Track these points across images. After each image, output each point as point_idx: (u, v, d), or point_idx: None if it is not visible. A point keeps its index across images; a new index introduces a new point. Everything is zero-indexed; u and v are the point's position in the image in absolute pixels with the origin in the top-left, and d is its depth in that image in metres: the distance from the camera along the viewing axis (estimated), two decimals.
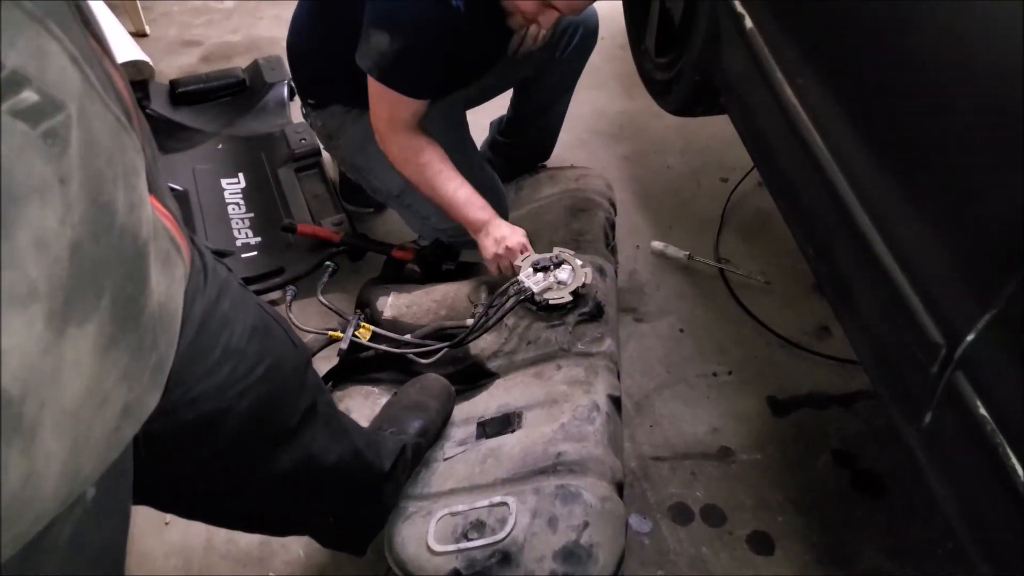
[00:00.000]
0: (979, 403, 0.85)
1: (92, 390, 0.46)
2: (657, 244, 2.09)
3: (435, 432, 1.40)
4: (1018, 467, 0.81)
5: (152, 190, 0.58)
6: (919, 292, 0.96)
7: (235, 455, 0.90)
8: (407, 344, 1.57)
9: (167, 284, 0.58)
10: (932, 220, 0.94)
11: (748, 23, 1.36)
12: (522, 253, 1.56)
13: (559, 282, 1.51)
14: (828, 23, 1.15)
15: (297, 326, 1.58)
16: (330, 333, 1.55)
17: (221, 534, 1.48)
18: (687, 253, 2.05)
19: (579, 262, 1.56)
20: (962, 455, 0.93)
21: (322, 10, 1.70)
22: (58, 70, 0.41)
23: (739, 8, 1.39)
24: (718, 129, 2.20)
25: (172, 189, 2.15)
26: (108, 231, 0.46)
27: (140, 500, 0.73)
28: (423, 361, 1.54)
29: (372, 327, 1.57)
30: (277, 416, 0.94)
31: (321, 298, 1.65)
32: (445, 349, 1.53)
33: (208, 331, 0.77)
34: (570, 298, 1.51)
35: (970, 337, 0.86)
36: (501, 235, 1.57)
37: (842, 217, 1.09)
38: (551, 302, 1.50)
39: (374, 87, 1.55)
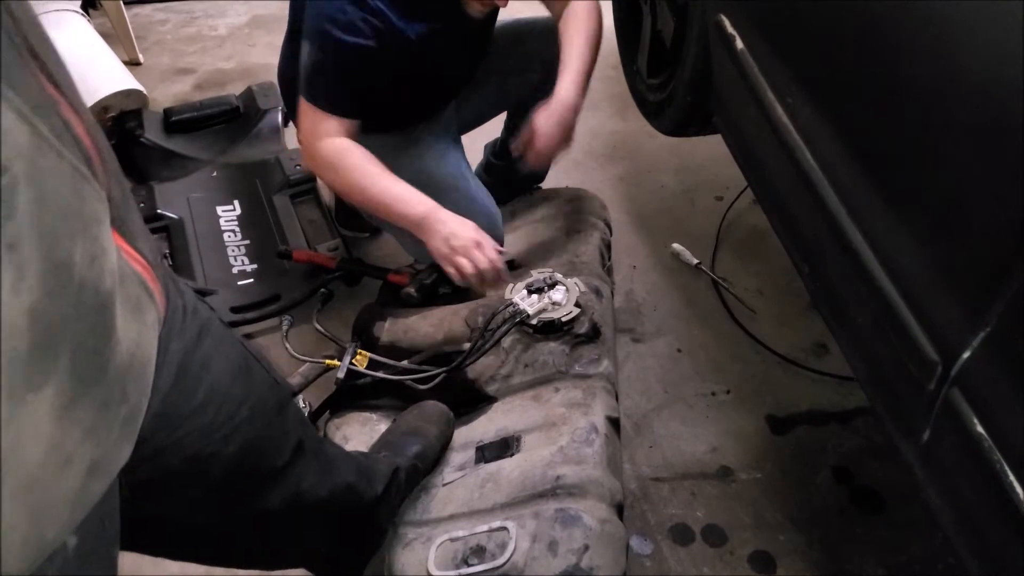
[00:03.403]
0: (976, 421, 0.85)
1: (53, 453, 0.44)
2: (676, 246, 2.14)
3: (433, 457, 1.40)
4: (1016, 485, 0.81)
5: (121, 233, 0.57)
6: (913, 310, 0.96)
7: (224, 497, 0.89)
8: (404, 370, 1.57)
9: (137, 331, 0.57)
10: (923, 237, 0.95)
11: (739, 44, 1.38)
12: (478, 248, 1.46)
13: (554, 303, 1.52)
14: (817, 43, 1.16)
15: (293, 355, 1.58)
16: (327, 361, 1.55)
17: None
18: (698, 261, 2.10)
19: (571, 280, 1.57)
20: (960, 472, 0.93)
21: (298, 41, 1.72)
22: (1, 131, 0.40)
23: (729, 29, 1.41)
24: (712, 148, 2.22)
25: (167, 217, 2.16)
26: (66, 287, 0.44)
27: (128, 547, 0.72)
28: (421, 387, 1.54)
29: (369, 354, 1.57)
30: (265, 457, 0.92)
31: (317, 325, 1.65)
32: (442, 374, 1.53)
33: (190, 372, 0.76)
34: (577, 310, 1.51)
35: (965, 355, 0.86)
36: (450, 231, 1.46)
37: (835, 235, 1.10)
38: (563, 319, 1.50)
39: (301, 104, 1.52)
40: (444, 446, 1.44)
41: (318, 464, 1.04)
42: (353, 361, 1.54)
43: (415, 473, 1.35)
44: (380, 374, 1.55)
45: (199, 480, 0.82)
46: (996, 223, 0.82)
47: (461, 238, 1.45)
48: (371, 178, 1.49)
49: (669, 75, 1.80)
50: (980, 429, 0.84)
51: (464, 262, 1.47)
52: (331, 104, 1.49)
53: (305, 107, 1.51)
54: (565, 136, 1.58)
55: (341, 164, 1.49)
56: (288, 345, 1.62)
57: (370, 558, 1.30)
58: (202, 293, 0.89)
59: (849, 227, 1.07)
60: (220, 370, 0.81)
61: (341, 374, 1.51)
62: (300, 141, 1.53)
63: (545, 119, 1.55)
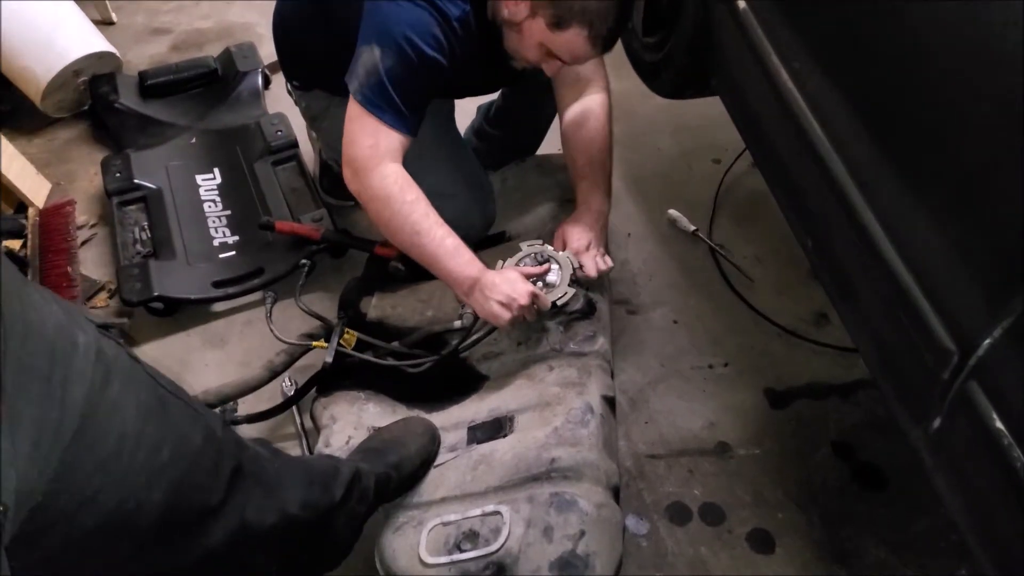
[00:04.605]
0: (995, 415, 0.80)
1: None
2: (673, 212, 2.08)
3: (410, 469, 1.33)
4: None
5: None
6: (928, 294, 0.91)
7: (161, 546, 0.83)
8: (394, 353, 1.52)
9: None
10: (941, 219, 0.89)
11: (741, 3, 1.30)
12: (534, 304, 1.39)
13: (547, 284, 1.45)
14: (829, 4, 1.09)
15: (278, 337, 1.52)
16: (314, 344, 1.49)
17: None
18: (695, 228, 2.04)
19: (564, 254, 1.50)
20: (974, 465, 0.88)
21: (310, 2, 1.63)
22: None
23: None
24: (709, 108, 2.11)
25: (144, 187, 2.08)
26: None
27: None
28: (412, 370, 1.49)
29: (357, 333, 1.52)
30: (198, 495, 0.86)
31: (300, 304, 1.58)
32: (432, 362, 1.48)
33: (95, 421, 0.70)
34: (573, 291, 1.45)
35: (984, 345, 0.81)
36: (506, 297, 1.36)
37: (844, 212, 1.04)
38: (558, 302, 1.44)
39: (355, 111, 1.38)
40: (425, 461, 1.36)
41: (261, 489, 0.97)
42: (341, 341, 1.49)
43: (387, 482, 1.27)
44: (369, 357, 1.50)
45: (127, 535, 0.77)
46: None
47: (520, 298, 1.37)
48: (427, 223, 1.38)
49: (666, 34, 1.71)
50: (999, 425, 0.80)
51: (522, 317, 1.41)
52: (398, 118, 1.37)
53: (363, 117, 1.36)
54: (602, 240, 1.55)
55: (400, 198, 1.37)
56: (272, 326, 1.55)
57: (328, 570, 1.23)
58: (106, 327, 0.81)
59: (859, 203, 1.01)
60: (131, 413, 0.76)
61: (329, 358, 1.46)
62: (350, 155, 1.39)
63: (580, 234, 1.52)
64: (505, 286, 1.37)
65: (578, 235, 1.51)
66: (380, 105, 1.35)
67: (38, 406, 0.64)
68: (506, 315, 1.37)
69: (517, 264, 1.48)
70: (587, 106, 1.61)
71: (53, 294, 0.75)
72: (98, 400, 0.71)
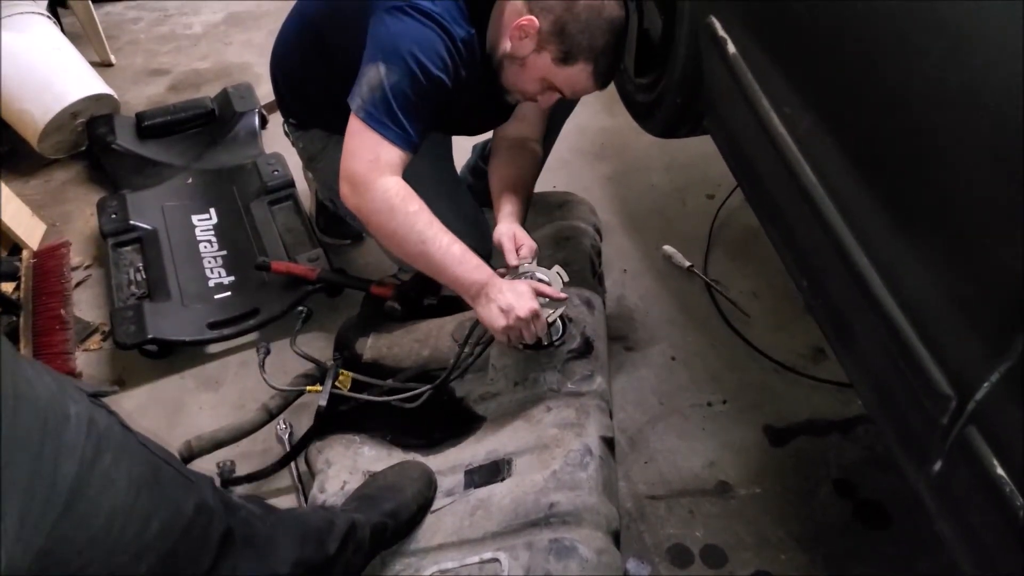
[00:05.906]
0: (996, 462, 0.79)
1: None
2: (668, 248, 2.09)
3: (407, 516, 1.31)
4: None
5: None
6: (924, 338, 0.90)
7: None
8: (388, 390, 1.51)
9: None
10: (937, 261, 0.89)
11: (731, 48, 1.31)
12: (530, 324, 1.37)
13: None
14: (818, 49, 1.09)
15: (271, 386, 1.50)
16: (308, 389, 1.48)
17: None
18: (690, 264, 2.05)
19: (554, 269, 1.48)
20: (977, 512, 0.87)
21: (308, 38, 1.64)
22: None
23: (721, 32, 1.34)
24: (702, 145, 2.12)
25: (140, 228, 2.08)
26: None
27: None
28: (408, 405, 1.48)
29: (352, 374, 1.51)
30: (187, 564, 0.85)
31: (296, 349, 1.57)
32: (428, 392, 1.47)
33: (86, 496, 0.70)
34: (570, 324, 1.44)
35: (983, 390, 0.81)
36: (507, 304, 1.35)
37: (838, 256, 1.04)
38: (549, 319, 1.41)
39: (356, 127, 1.36)
40: (422, 507, 1.35)
41: (253, 551, 0.96)
42: (336, 383, 1.48)
43: (383, 531, 1.26)
44: (365, 396, 1.49)
45: None
46: (1022, 247, 0.76)
47: (520, 310, 1.35)
48: (432, 231, 1.37)
49: (658, 75, 1.72)
50: (1000, 472, 0.79)
51: (519, 335, 1.40)
52: (401, 135, 1.36)
53: (364, 132, 1.35)
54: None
55: (404, 209, 1.35)
56: (265, 376, 1.52)
57: None
58: (98, 396, 0.81)
59: (854, 249, 1.00)
60: (122, 486, 0.75)
61: (323, 401, 1.45)
62: (350, 170, 1.37)
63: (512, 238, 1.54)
64: (511, 294, 1.36)
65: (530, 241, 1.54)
66: (382, 120, 1.35)
67: (27, 481, 0.63)
68: (502, 321, 1.35)
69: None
70: (536, 160, 1.71)
71: (45, 366, 0.75)
72: (89, 474, 0.70)
